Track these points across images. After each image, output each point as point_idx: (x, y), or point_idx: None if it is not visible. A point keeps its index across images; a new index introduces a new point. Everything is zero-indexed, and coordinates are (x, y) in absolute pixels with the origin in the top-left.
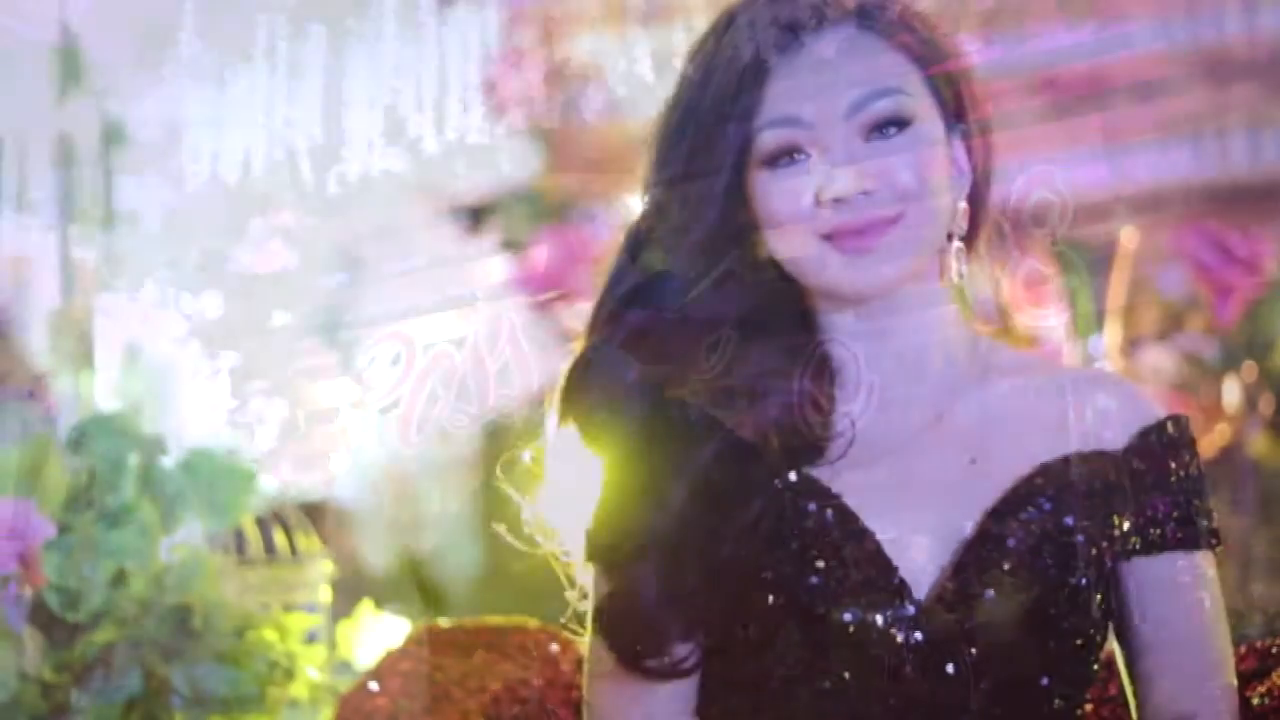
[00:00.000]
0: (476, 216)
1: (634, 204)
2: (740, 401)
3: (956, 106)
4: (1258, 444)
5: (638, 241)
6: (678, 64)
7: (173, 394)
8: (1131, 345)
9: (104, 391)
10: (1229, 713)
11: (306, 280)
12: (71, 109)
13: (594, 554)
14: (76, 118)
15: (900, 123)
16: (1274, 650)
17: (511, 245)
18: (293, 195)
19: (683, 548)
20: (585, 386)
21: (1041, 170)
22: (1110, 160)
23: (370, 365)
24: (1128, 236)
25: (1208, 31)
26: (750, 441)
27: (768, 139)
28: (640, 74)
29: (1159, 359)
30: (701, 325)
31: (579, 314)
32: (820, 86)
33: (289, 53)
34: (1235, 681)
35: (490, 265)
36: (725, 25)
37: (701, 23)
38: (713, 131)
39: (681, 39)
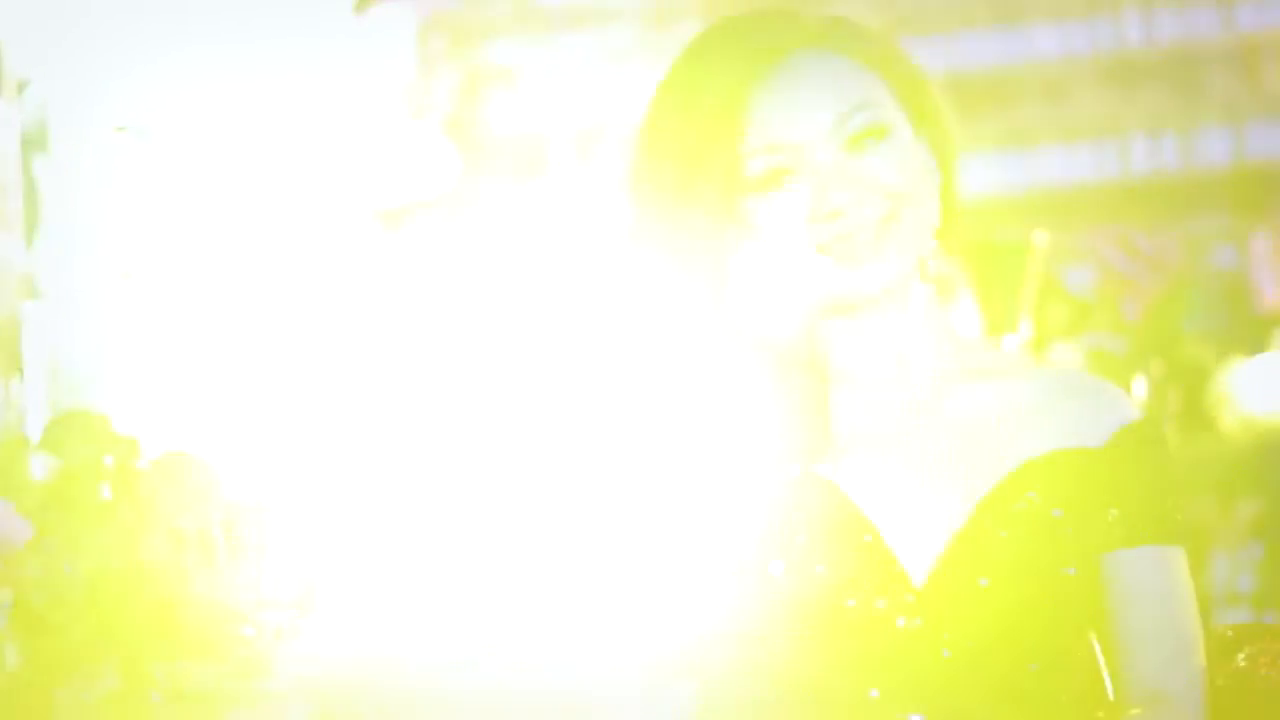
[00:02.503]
0: (395, 220)
1: (556, 208)
2: (746, 401)
3: (920, 111)
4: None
5: (641, 253)
6: (593, 70)
7: (98, 399)
8: (1042, 343)
9: (32, 398)
10: (1200, 693)
11: (230, 286)
12: None
13: (615, 560)
14: None
15: (879, 132)
16: (1230, 635)
17: (429, 249)
18: (217, 203)
19: (709, 558)
20: (597, 393)
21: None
22: (1016, 162)
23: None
24: (1039, 237)
25: (1107, 37)
26: (755, 444)
27: (756, 165)
28: (555, 80)
29: (1068, 356)
30: (708, 330)
31: (499, 315)
32: (799, 109)
33: (209, 58)
34: (1204, 663)
35: (409, 268)
36: (695, 57)
37: (615, 30)
38: (697, 161)
39: (598, 44)
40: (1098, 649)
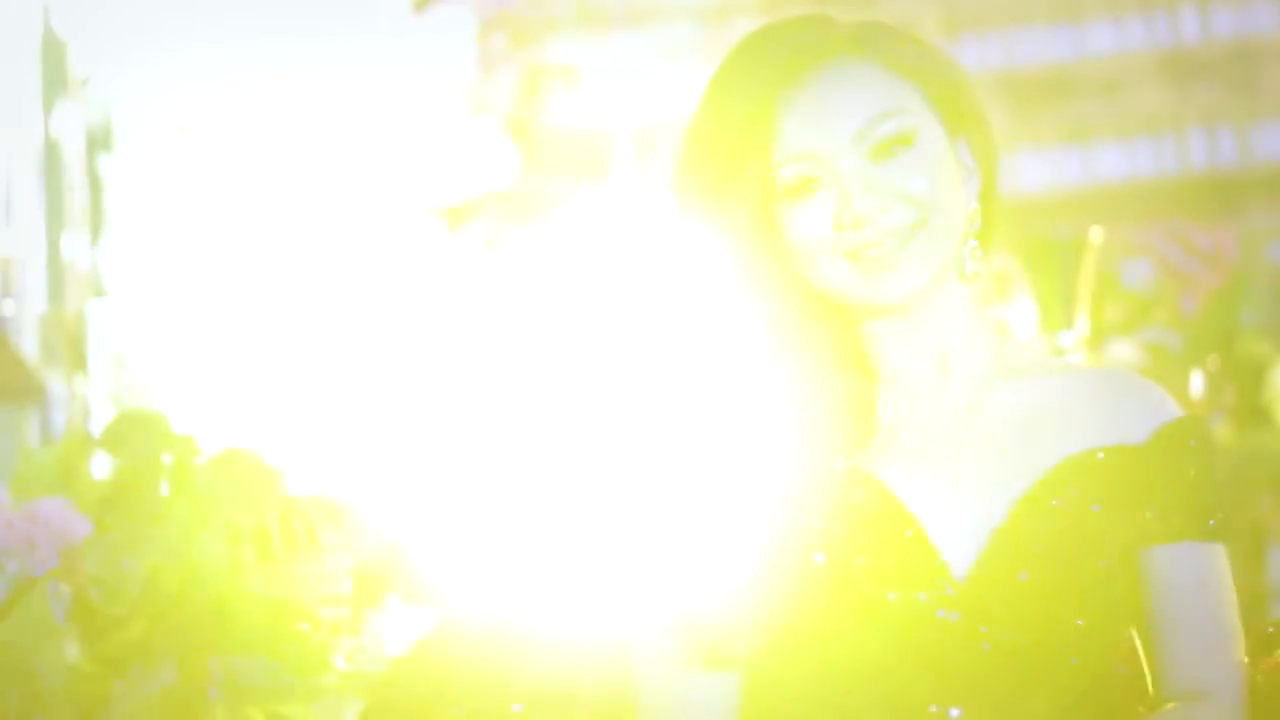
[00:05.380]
0: (456, 216)
1: (617, 206)
2: (793, 398)
3: (955, 115)
4: (1223, 432)
5: (678, 256)
6: (653, 67)
7: (162, 397)
8: (1099, 338)
9: (97, 395)
10: (1239, 688)
11: (293, 281)
12: (58, 115)
13: (658, 548)
14: (63, 124)
15: (905, 140)
16: (1271, 630)
17: (491, 245)
18: (278, 200)
19: (745, 540)
20: (639, 391)
21: (1003, 168)
22: (1073, 158)
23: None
24: (1095, 234)
25: (1164, 33)
26: (800, 435)
27: (785, 175)
28: (616, 77)
29: (1126, 351)
30: (751, 329)
31: (558, 310)
32: (825, 119)
33: (270, 58)
34: (1244, 659)
35: (471, 265)
36: (732, 65)
37: (676, 26)
38: (731, 168)
39: (657, 42)
40: (1139, 644)
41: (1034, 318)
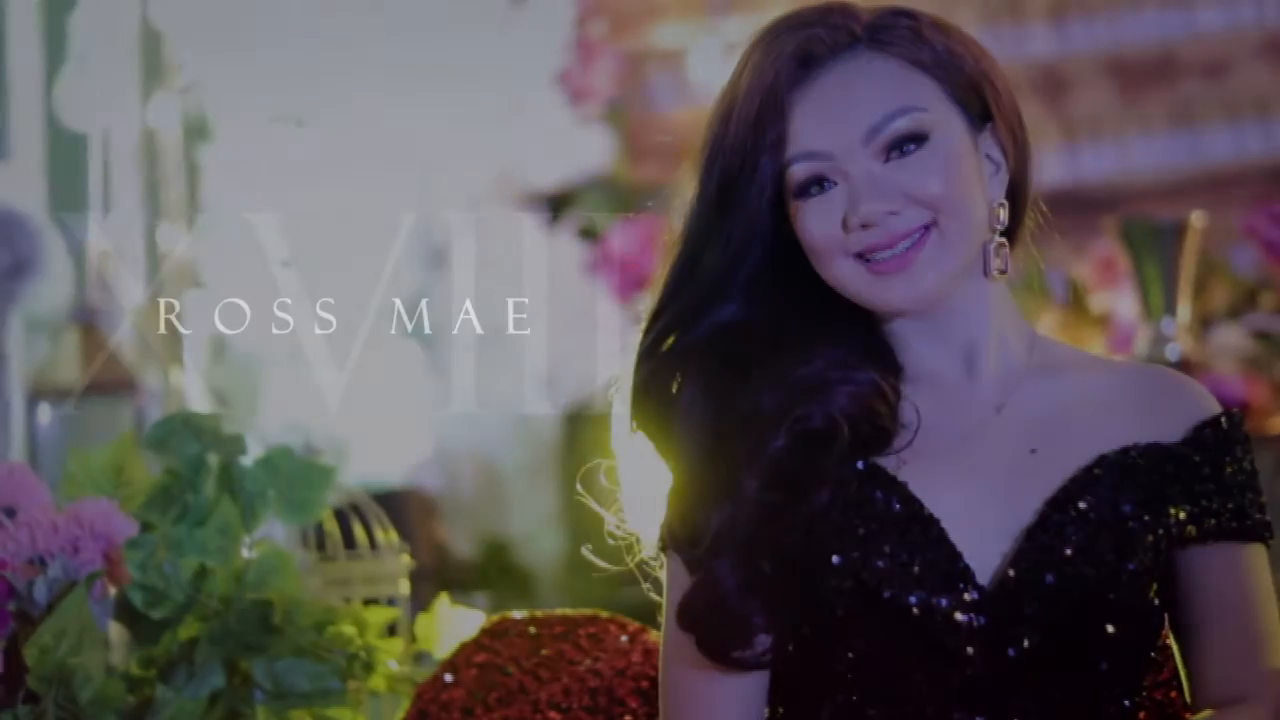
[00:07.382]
0: (555, 205)
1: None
2: (811, 393)
3: (982, 107)
4: None
5: (695, 250)
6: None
7: (259, 387)
8: (1203, 324)
9: (193, 386)
10: (1275, 692)
11: (391, 271)
12: (155, 105)
13: (672, 546)
14: (160, 114)
15: (918, 138)
16: None
17: (589, 233)
18: (377, 188)
19: (757, 537)
20: (658, 386)
21: (1111, 152)
22: (1179, 141)
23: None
24: (1197, 217)
25: (1274, 12)
26: (820, 431)
27: (796, 172)
28: (715, 62)
29: (1231, 337)
30: (770, 325)
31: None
32: (835, 117)
33: (366, 46)
34: None
35: (569, 253)
36: (746, 59)
37: (775, 10)
38: (741, 164)
39: (757, 26)
40: (1174, 648)
41: (1136, 304)
